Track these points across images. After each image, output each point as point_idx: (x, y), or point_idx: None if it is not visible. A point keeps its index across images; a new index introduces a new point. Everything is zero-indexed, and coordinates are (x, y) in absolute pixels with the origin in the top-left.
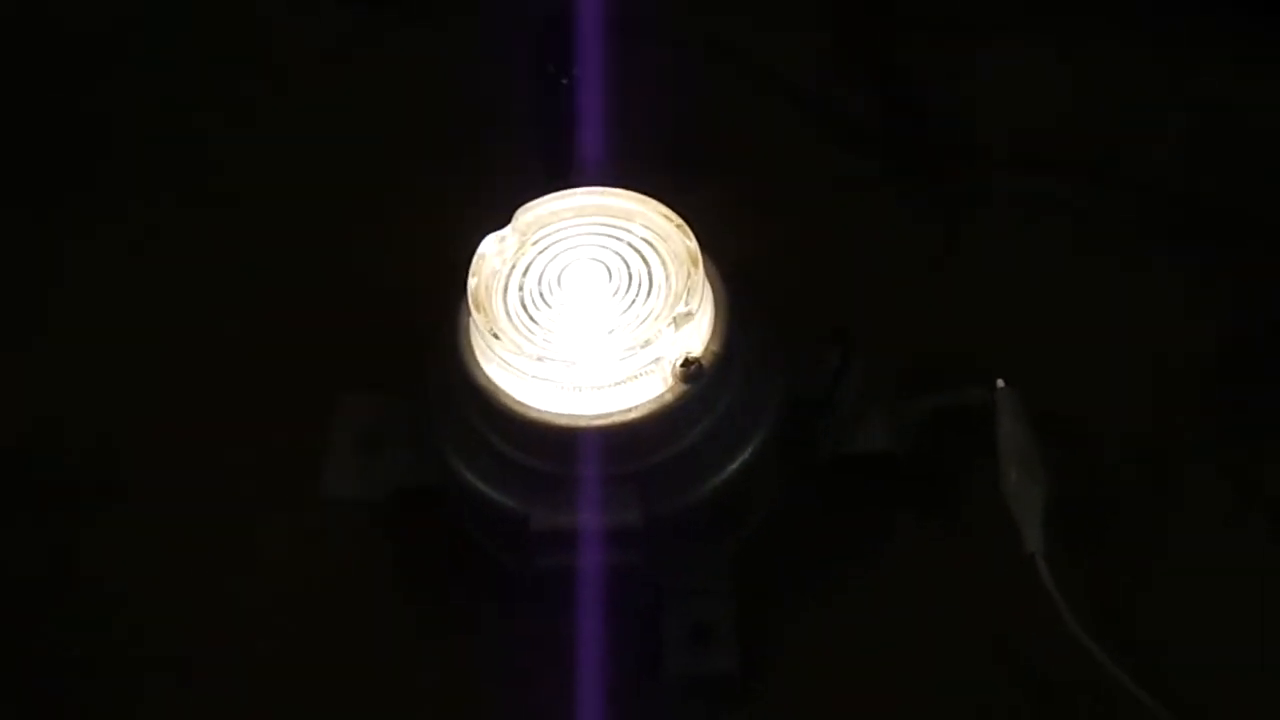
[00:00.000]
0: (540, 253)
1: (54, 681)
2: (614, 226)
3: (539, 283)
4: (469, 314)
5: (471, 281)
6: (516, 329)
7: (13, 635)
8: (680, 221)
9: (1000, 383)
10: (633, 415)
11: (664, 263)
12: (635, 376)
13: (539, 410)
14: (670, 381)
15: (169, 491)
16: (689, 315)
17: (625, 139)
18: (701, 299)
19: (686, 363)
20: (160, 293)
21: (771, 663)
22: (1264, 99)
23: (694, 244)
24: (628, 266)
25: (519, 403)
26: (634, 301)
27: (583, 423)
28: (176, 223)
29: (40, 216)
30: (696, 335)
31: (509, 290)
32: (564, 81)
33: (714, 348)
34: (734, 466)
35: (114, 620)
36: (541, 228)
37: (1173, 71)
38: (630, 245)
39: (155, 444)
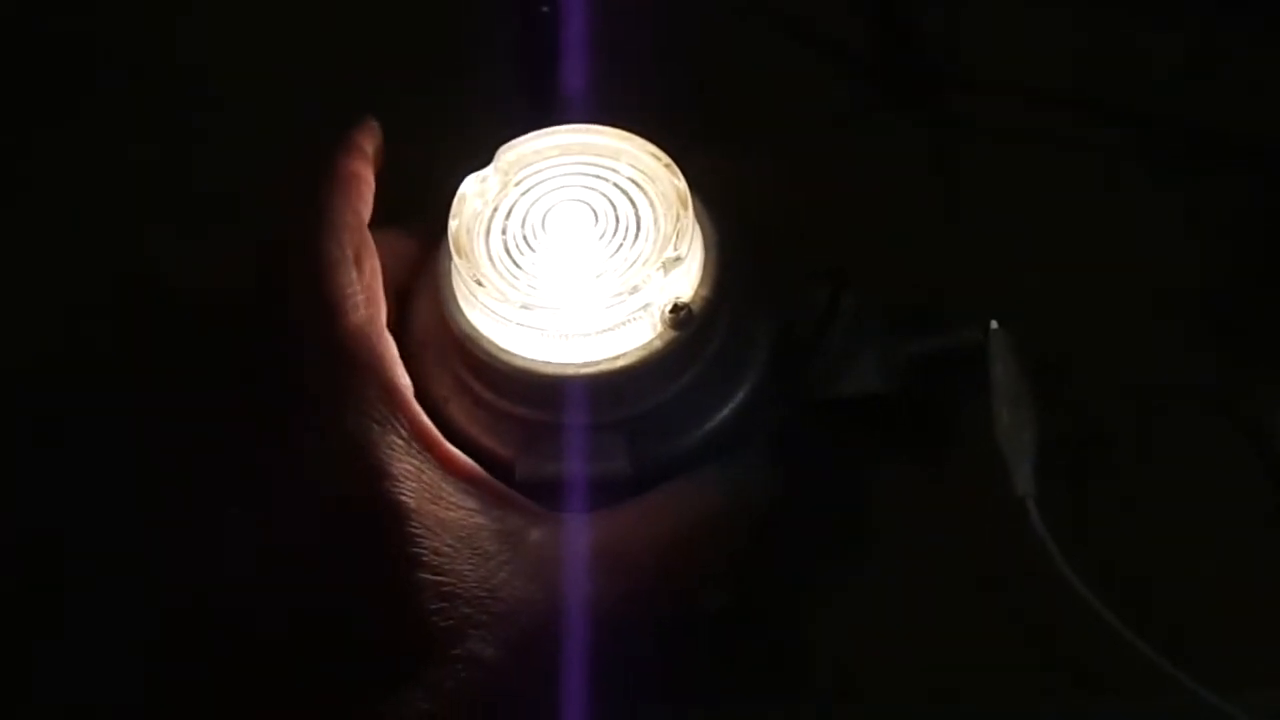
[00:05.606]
0: (523, 194)
1: None
2: (600, 166)
3: (522, 225)
4: (450, 259)
5: (453, 224)
6: (500, 275)
7: None
8: (669, 161)
9: (994, 324)
10: (620, 363)
11: (652, 204)
12: (623, 323)
13: (524, 358)
14: (659, 328)
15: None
16: (678, 260)
17: (610, 73)
18: (691, 242)
19: (675, 308)
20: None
21: (760, 602)
22: (1252, 27)
23: (683, 184)
24: (614, 208)
25: (503, 350)
26: (621, 245)
27: (570, 371)
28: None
29: None
30: (686, 280)
31: (491, 234)
32: (544, 9)
33: (704, 292)
34: (723, 413)
35: None
36: (524, 167)
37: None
38: (617, 186)
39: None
